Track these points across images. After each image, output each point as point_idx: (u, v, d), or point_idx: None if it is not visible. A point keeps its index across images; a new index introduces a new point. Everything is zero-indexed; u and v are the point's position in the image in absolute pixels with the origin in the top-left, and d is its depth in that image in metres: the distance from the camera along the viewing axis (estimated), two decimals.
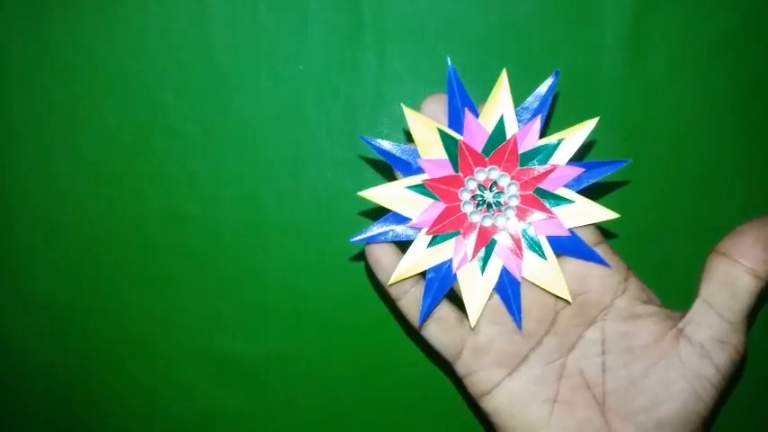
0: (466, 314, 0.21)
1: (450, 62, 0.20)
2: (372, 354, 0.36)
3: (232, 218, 0.36)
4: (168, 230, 0.36)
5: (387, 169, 0.34)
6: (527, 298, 0.20)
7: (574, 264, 0.20)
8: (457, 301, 0.22)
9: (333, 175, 0.35)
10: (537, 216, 0.19)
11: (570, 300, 0.20)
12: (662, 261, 0.34)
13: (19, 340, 0.38)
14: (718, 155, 0.34)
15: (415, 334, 0.31)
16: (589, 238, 0.20)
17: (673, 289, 0.35)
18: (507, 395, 0.21)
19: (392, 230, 0.20)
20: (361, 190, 0.32)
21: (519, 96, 0.34)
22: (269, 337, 0.37)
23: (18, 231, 0.37)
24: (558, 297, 0.20)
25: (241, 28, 0.34)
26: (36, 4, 0.35)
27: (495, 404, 0.21)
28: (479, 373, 0.21)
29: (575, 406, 0.20)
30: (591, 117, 0.31)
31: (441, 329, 0.21)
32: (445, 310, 0.21)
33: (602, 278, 0.20)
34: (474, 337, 0.21)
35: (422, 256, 0.20)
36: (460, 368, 0.22)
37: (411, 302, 0.21)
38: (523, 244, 0.20)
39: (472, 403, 0.24)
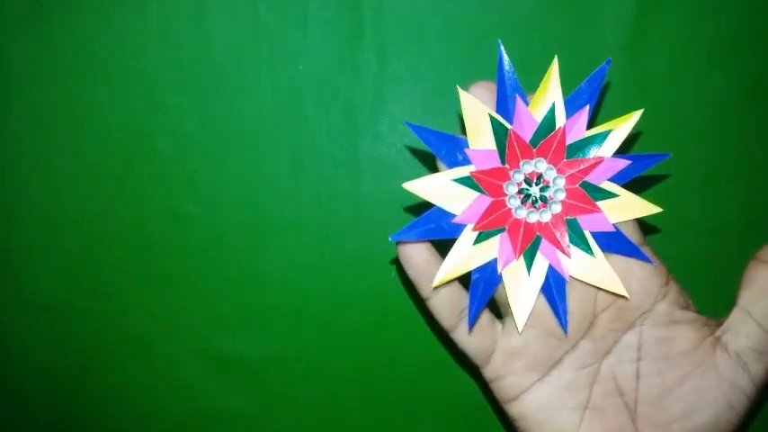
0: (501, 316, 0.20)
1: (501, 46, 0.19)
2: (372, 354, 0.36)
3: (232, 218, 0.36)
4: (168, 230, 0.36)
5: (386, 170, 0.35)
6: (567, 300, 0.19)
7: (614, 265, 0.19)
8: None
9: (333, 175, 0.35)
10: (581, 208, 0.18)
11: (627, 295, 0.19)
12: (663, 259, 0.34)
13: (19, 340, 0.38)
14: (718, 155, 0.34)
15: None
16: (632, 237, 0.20)
17: None
18: (536, 401, 0.20)
19: (435, 227, 0.18)
20: (360, 190, 0.32)
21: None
22: (269, 337, 0.36)
23: (18, 231, 0.37)
24: (612, 294, 0.19)
25: (241, 28, 0.34)
26: (36, 4, 0.35)
27: (522, 410, 0.20)
28: (509, 378, 0.20)
29: (605, 413, 0.20)
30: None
31: (474, 332, 0.20)
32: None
33: (644, 281, 0.20)
34: (507, 339, 0.20)
35: (467, 256, 0.18)
36: (489, 372, 0.21)
37: (441, 302, 0.20)
38: (569, 240, 0.19)
39: (497, 406, 0.23)
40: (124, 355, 0.38)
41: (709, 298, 0.35)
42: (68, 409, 0.39)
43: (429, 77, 0.34)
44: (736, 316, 0.20)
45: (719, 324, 0.21)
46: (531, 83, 0.33)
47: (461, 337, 0.21)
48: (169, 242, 0.36)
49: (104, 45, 0.35)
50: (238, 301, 0.36)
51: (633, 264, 0.20)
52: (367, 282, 0.35)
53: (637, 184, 0.34)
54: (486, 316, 0.21)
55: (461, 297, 0.20)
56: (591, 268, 0.18)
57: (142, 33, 0.35)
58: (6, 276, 0.38)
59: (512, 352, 0.20)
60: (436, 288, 0.19)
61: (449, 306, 0.20)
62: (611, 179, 0.19)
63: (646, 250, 0.20)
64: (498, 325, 0.21)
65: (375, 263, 0.35)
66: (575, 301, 0.20)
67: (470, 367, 0.28)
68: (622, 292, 0.19)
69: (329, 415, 0.37)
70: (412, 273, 0.20)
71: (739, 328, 0.20)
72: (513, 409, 0.20)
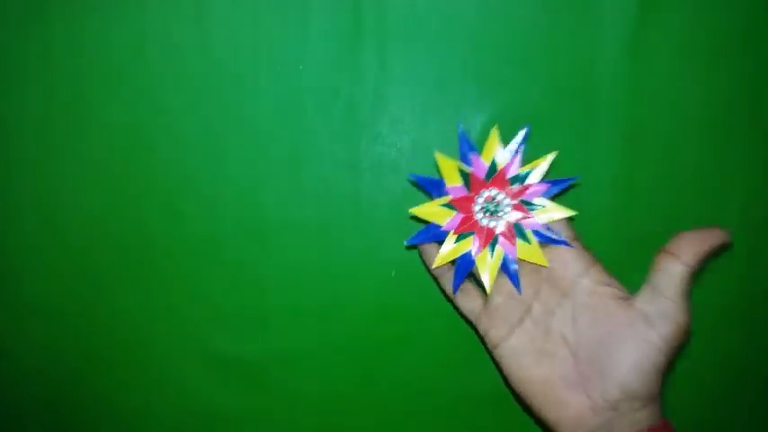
0: (483, 289, 0.30)
1: (460, 127, 0.28)
2: (372, 353, 0.36)
3: (232, 218, 0.36)
4: (168, 230, 0.36)
5: (386, 170, 0.35)
6: (522, 277, 0.29)
7: (552, 252, 0.28)
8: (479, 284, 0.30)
9: (333, 175, 0.35)
10: (523, 217, 0.29)
11: (546, 264, 0.28)
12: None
13: (18, 341, 0.38)
14: (719, 155, 0.34)
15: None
16: (566, 233, 0.29)
17: None
18: (510, 347, 0.29)
19: (432, 233, 0.29)
20: (359, 190, 0.33)
21: (518, 97, 0.34)
22: (269, 337, 0.37)
23: (18, 232, 0.37)
24: (539, 265, 0.29)
25: (241, 28, 0.34)
26: (36, 4, 0.35)
27: (501, 353, 0.29)
28: (491, 331, 0.29)
29: (556, 357, 0.28)
30: (591, 117, 0.33)
31: (466, 300, 0.30)
32: (469, 286, 0.31)
33: (571, 262, 0.28)
34: (488, 305, 0.30)
35: (452, 249, 0.29)
36: (480, 328, 0.30)
37: (448, 280, 0.31)
38: (515, 235, 0.29)
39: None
40: (124, 354, 0.38)
41: (709, 297, 0.35)
42: (69, 409, 0.39)
43: (429, 77, 0.34)
44: (646, 289, 0.27)
45: (635, 296, 0.27)
46: (530, 82, 0.33)
47: (460, 303, 0.31)
48: (169, 242, 0.36)
49: (104, 45, 0.35)
50: (238, 301, 0.36)
51: (565, 251, 0.28)
52: (367, 281, 0.35)
53: (635, 183, 0.34)
54: (474, 290, 0.31)
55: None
56: (529, 251, 0.28)
57: (142, 33, 0.35)
58: (6, 276, 0.38)
59: (491, 313, 0.29)
60: (436, 267, 0.30)
61: (450, 282, 0.31)
62: (543, 195, 0.28)
63: (577, 244, 0.29)
64: (483, 296, 0.30)
65: (375, 262, 0.35)
66: (527, 276, 0.29)
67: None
68: (544, 263, 0.28)
69: (329, 415, 0.37)
70: (427, 260, 0.31)
71: (648, 298, 0.27)
72: (496, 353, 0.29)
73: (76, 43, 0.35)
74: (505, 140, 0.28)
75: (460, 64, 0.34)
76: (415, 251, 0.33)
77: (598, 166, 0.34)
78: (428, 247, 0.30)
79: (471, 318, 0.31)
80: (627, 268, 0.30)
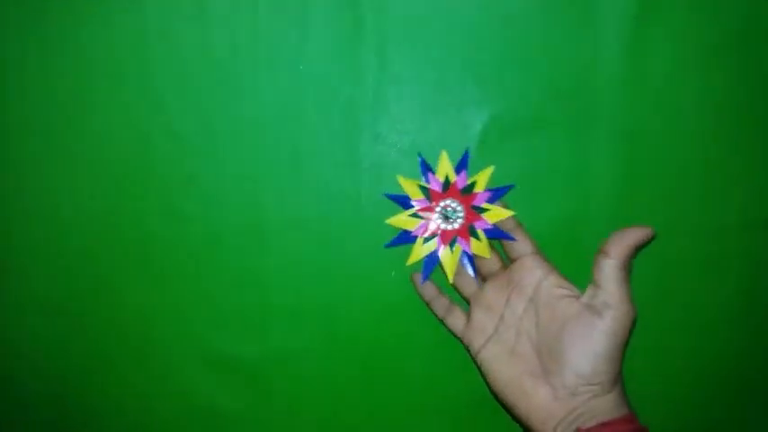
0: (460, 301, 0.35)
1: (420, 155, 0.34)
2: (372, 353, 0.36)
3: (232, 218, 0.36)
4: (168, 230, 0.36)
5: (386, 170, 0.35)
6: (493, 293, 0.33)
7: (519, 264, 0.33)
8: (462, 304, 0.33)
9: (333, 175, 0.35)
10: (474, 218, 0.33)
11: (489, 256, 0.34)
12: (664, 259, 0.34)
13: (18, 340, 0.38)
14: (718, 155, 0.34)
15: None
16: (529, 247, 0.33)
17: (674, 284, 0.35)
18: (487, 352, 0.33)
19: (406, 238, 0.34)
20: (359, 190, 0.33)
21: (518, 96, 0.34)
22: (269, 337, 0.37)
23: (18, 231, 0.37)
24: (483, 257, 0.34)
25: (241, 28, 0.34)
26: (36, 4, 0.35)
27: (482, 357, 0.33)
28: (474, 341, 0.33)
29: (524, 356, 0.32)
30: (591, 117, 0.34)
31: (452, 318, 0.34)
32: (454, 308, 0.34)
33: (532, 269, 0.32)
34: (471, 322, 0.34)
35: (422, 249, 0.34)
36: (465, 340, 0.34)
37: (438, 305, 0.35)
38: (469, 234, 0.34)
39: (474, 363, 0.35)
40: (125, 355, 0.38)
41: (708, 296, 0.35)
42: (69, 409, 0.39)
43: (429, 77, 0.34)
44: (590, 286, 0.31)
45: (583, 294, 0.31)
46: (528, 82, 0.33)
47: (448, 322, 0.35)
48: (169, 242, 0.36)
49: (104, 45, 0.35)
50: (238, 301, 0.36)
51: (527, 261, 0.32)
52: (367, 281, 0.36)
53: (635, 183, 0.34)
54: (459, 311, 0.34)
55: (446, 303, 0.35)
56: (479, 247, 0.33)
57: (142, 33, 0.35)
58: (6, 276, 0.38)
59: (473, 326, 0.33)
60: (410, 264, 0.34)
61: (441, 307, 0.35)
62: (487, 201, 0.33)
63: (537, 255, 0.32)
64: (467, 316, 0.34)
65: (375, 263, 0.35)
66: (500, 288, 0.33)
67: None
68: (487, 255, 0.34)
69: (329, 415, 0.37)
70: (420, 290, 0.35)
71: (592, 293, 0.30)
72: (478, 359, 0.33)
73: (77, 43, 0.35)
74: (509, 140, 0.33)
75: (460, 64, 0.34)
76: None
77: (598, 166, 0.34)
78: (417, 277, 0.35)
79: (457, 333, 0.34)
80: None
